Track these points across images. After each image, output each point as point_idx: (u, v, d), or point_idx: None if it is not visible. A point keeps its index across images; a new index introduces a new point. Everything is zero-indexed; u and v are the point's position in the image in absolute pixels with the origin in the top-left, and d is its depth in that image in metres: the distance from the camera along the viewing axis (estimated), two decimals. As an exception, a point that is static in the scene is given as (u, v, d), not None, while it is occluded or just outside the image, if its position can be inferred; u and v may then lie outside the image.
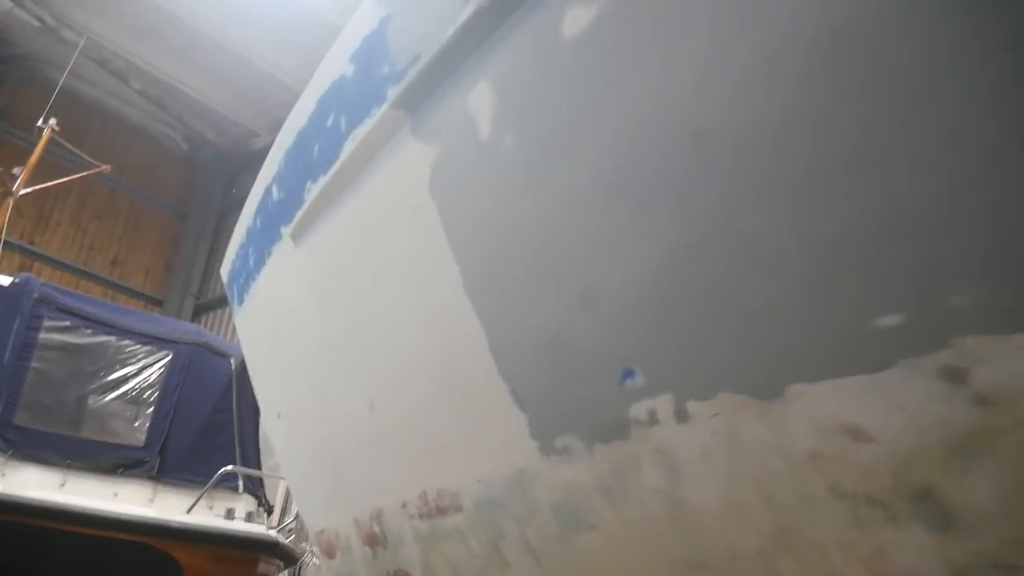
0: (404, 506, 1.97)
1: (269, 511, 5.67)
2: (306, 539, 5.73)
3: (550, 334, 1.33)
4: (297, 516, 5.44)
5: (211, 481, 4.68)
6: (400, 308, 1.75)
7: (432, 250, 1.58)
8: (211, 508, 4.86)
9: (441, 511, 1.79)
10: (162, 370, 5.11)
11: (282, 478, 5.56)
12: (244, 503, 5.09)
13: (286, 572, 5.27)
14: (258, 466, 5.54)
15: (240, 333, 3.19)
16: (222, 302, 13.18)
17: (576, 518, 1.37)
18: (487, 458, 1.56)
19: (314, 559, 5.54)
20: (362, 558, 2.36)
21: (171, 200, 14.36)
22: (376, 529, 2.18)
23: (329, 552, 2.71)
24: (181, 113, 12.61)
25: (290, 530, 5.35)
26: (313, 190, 2.00)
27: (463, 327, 1.53)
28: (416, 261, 1.67)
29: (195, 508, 4.56)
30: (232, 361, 5.44)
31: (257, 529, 4.66)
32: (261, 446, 5.72)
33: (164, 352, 5.15)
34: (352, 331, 2.01)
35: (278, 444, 3.07)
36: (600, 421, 1.26)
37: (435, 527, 1.84)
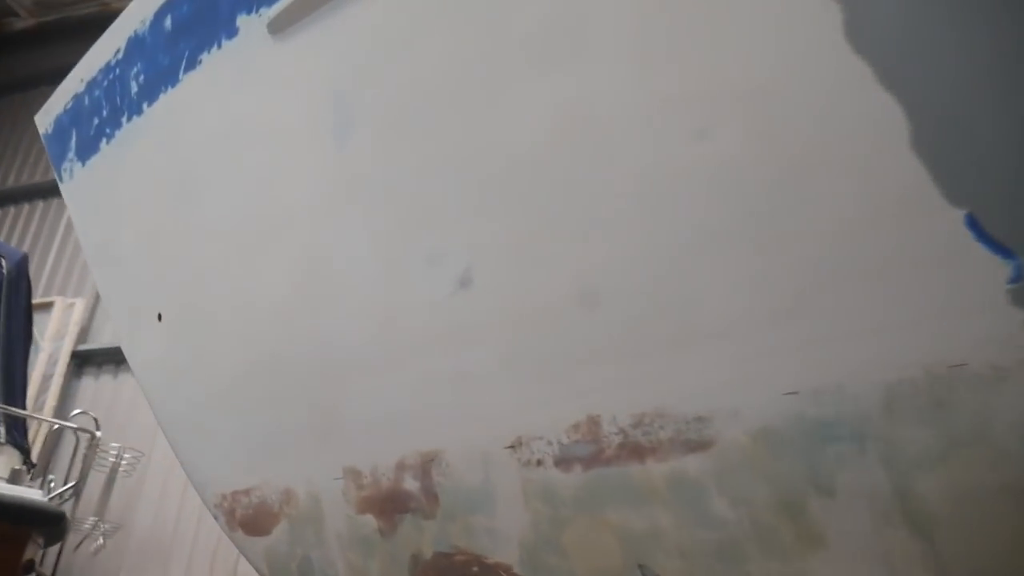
0: (516, 446, 1.17)
1: (31, 469, 4.17)
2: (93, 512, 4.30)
3: None
4: (81, 479, 4.07)
5: (-40, 424, 3.23)
6: (631, 94, 0.97)
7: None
8: (-46, 463, 3.36)
9: (637, 452, 1.04)
10: None
11: (71, 425, 4.12)
12: (5, 458, 3.61)
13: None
14: (25, 405, 4.04)
15: (79, 204, 2.20)
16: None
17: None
18: (844, 348, 0.86)
19: (99, 538, 4.15)
20: (349, 534, 1.49)
21: None
22: (411, 486, 1.34)
23: (254, 525, 1.75)
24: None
25: (61, 497, 3.97)
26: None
27: (841, 109, 0.82)
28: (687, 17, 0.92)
29: (-69, 462, 3.11)
30: (3, 263, 3.85)
31: (31, 494, 3.32)
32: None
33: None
34: (442, 152, 1.18)
35: (152, 358, 2.00)
36: None
37: (604, 479, 1.08)
